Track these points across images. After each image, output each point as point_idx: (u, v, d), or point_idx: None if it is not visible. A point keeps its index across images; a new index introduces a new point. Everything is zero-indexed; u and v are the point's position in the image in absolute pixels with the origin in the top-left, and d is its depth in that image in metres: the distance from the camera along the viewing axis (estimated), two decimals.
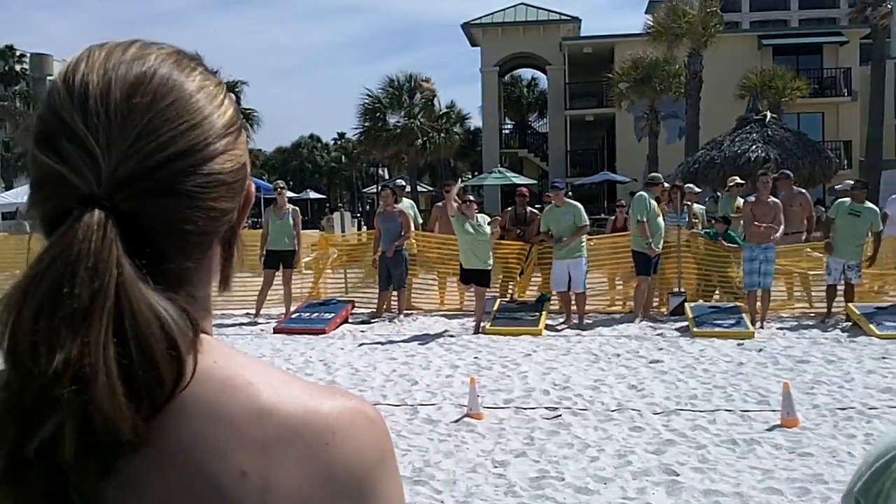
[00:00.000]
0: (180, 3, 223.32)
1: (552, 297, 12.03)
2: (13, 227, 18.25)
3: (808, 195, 13.06)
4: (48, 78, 65.32)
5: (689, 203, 12.85)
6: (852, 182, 12.58)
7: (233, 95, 0.85)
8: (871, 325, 10.32)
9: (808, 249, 12.15)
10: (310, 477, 0.74)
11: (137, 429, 0.69)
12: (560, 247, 11.31)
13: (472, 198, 11.70)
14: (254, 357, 0.82)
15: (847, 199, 11.56)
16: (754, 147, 21.57)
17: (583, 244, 11.55)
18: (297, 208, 12.76)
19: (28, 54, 55.44)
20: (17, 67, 51.35)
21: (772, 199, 11.47)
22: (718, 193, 12.77)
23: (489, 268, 11.18)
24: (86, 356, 0.67)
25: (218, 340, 0.80)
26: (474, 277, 11.07)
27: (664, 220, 11.78)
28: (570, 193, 14.32)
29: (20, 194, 30.56)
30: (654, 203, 11.50)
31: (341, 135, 73.81)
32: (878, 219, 11.42)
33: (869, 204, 11.46)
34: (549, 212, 11.68)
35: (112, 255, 0.70)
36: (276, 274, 12.17)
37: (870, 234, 11.42)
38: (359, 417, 0.79)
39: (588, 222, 11.70)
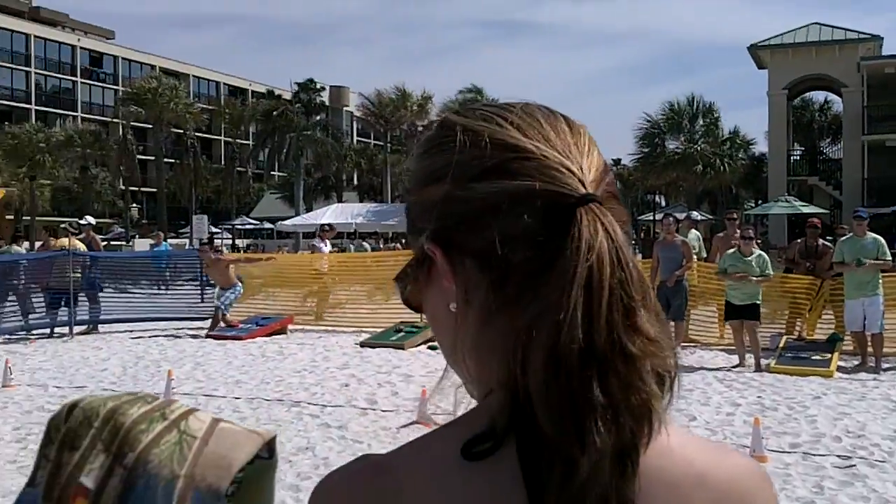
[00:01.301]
0: (460, 37, 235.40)
1: (845, 338, 11.21)
2: (358, 246, 20.55)
3: None
4: (344, 108, 70.53)
5: None
6: None
7: None
8: None
9: None
10: None
11: None
12: (858, 272, 10.51)
13: (751, 233, 11.25)
14: None
15: None
16: None
17: (880, 281, 10.67)
18: None
19: (327, 87, 60.08)
20: (318, 99, 55.55)
21: None
22: None
23: (759, 302, 10.70)
24: None
25: None
26: (743, 313, 10.65)
27: None
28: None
29: (319, 216, 33.29)
30: None
31: (616, 161, 73.42)
32: None
33: None
34: (848, 241, 10.85)
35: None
36: None
37: None
38: (759, 474, 0.82)
39: (891, 258, 10.80)
